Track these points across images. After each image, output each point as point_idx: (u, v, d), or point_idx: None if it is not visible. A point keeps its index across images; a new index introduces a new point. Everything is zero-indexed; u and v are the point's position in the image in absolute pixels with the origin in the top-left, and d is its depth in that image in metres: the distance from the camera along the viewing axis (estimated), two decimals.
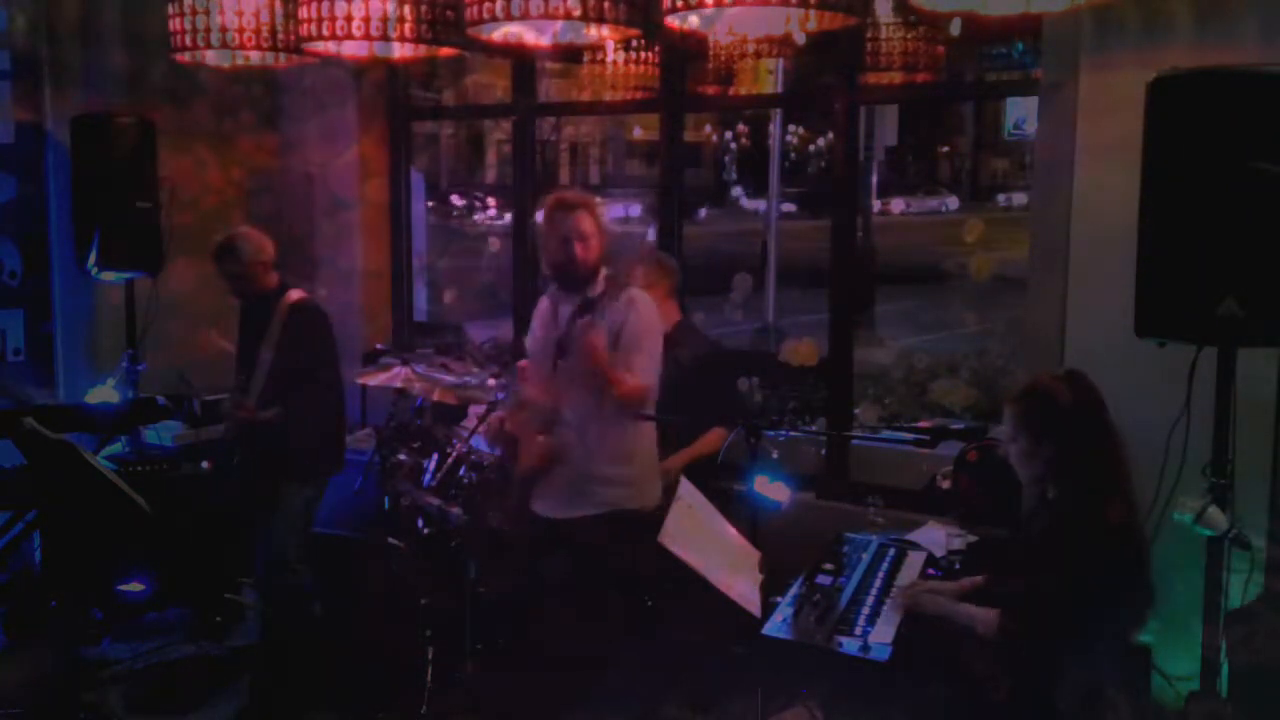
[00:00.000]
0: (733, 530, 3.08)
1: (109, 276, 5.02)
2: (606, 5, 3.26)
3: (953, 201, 26.07)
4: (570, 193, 3.60)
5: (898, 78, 4.96)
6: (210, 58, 4.23)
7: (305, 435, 4.26)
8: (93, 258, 4.85)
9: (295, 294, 4.31)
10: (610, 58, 5.71)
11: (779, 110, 12.17)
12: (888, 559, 3.40)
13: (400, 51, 4.08)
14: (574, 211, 3.48)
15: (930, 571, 3.36)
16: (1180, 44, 3.59)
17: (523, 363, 3.69)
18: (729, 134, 25.02)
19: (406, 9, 3.58)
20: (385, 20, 3.57)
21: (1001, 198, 26.01)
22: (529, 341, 3.73)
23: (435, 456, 4.38)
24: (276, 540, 4.25)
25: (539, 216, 3.61)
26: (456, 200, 21.15)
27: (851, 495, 4.53)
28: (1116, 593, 2.66)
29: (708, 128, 23.89)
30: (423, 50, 3.96)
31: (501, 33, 3.62)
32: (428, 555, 4.24)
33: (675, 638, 3.69)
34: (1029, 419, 2.82)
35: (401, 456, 4.45)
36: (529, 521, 3.59)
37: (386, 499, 4.44)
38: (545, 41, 3.74)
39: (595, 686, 3.55)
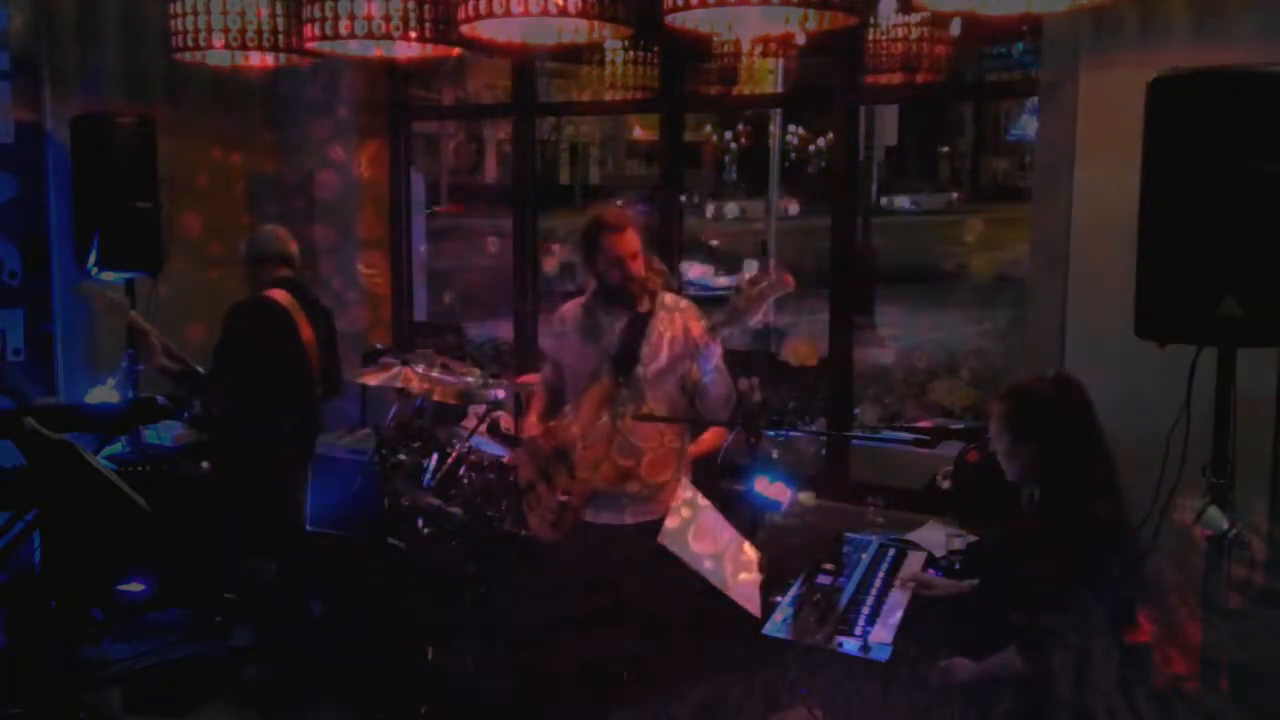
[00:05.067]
0: (733, 530, 3.08)
1: (109, 276, 5.02)
2: (605, 3, 3.26)
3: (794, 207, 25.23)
4: (611, 211, 3.57)
5: (898, 78, 4.96)
6: (210, 57, 4.24)
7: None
8: (93, 258, 4.85)
9: (263, 295, 4.31)
10: (610, 58, 5.71)
11: (779, 110, 12.20)
12: (888, 559, 3.40)
13: (401, 51, 4.08)
14: (624, 232, 3.47)
15: (930, 571, 3.37)
16: (1178, 44, 3.59)
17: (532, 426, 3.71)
18: (729, 134, 24.98)
19: (408, 8, 3.59)
20: (387, 20, 3.57)
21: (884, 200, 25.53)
22: (562, 351, 3.69)
23: (435, 456, 4.38)
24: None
25: (581, 233, 3.56)
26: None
27: (851, 495, 4.53)
28: (1106, 590, 2.66)
29: (708, 128, 23.87)
30: (424, 50, 3.96)
31: (506, 33, 3.63)
32: (428, 555, 4.24)
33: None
34: (1011, 420, 2.84)
35: (401, 456, 4.45)
36: (582, 529, 3.57)
37: (386, 499, 4.44)
38: (548, 41, 3.75)
39: (598, 684, 3.55)
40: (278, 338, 4.29)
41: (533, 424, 3.71)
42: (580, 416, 3.53)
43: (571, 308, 3.71)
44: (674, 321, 3.55)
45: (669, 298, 3.64)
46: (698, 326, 3.50)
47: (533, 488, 3.65)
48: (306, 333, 4.35)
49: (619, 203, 3.89)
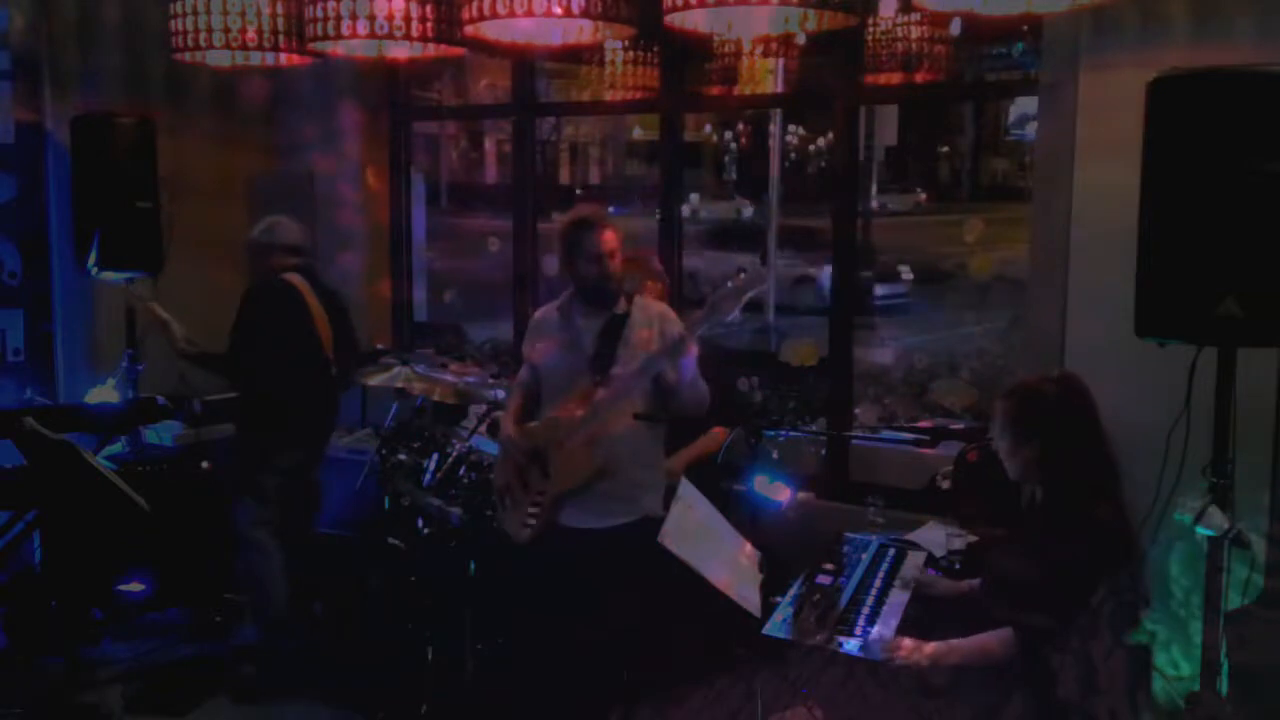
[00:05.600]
0: (733, 530, 3.08)
1: (109, 276, 5.02)
2: (607, 3, 3.26)
3: (748, 209, 24.60)
4: (590, 208, 3.60)
5: (898, 78, 4.96)
6: (210, 58, 4.24)
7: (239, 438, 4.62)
8: (93, 258, 4.85)
9: (279, 277, 4.44)
10: (610, 58, 5.71)
11: (779, 110, 12.19)
12: (888, 559, 3.39)
13: (402, 51, 4.08)
14: (604, 228, 3.50)
15: (930, 571, 3.36)
16: (1177, 44, 3.60)
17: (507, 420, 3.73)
18: (729, 134, 24.96)
19: (409, 9, 3.59)
20: (389, 19, 3.57)
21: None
22: (538, 355, 3.69)
23: (435, 456, 4.38)
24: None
25: (561, 232, 3.58)
26: None
27: (851, 495, 4.53)
28: (1107, 592, 2.66)
29: (708, 128, 23.86)
30: (425, 50, 3.96)
31: (510, 35, 3.63)
32: (428, 555, 4.24)
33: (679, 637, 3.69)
34: (1014, 419, 2.84)
35: (401, 456, 4.45)
36: (561, 533, 3.56)
37: (386, 499, 4.44)
38: (554, 42, 3.75)
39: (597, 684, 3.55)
40: (291, 317, 4.40)
41: (509, 426, 3.70)
42: (558, 419, 3.53)
43: (548, 311, 3.72)
44: (651, 324, 3.56)
45: (646, 300, 3.65)
46: (675, 328, 3.50)
47: (509, 490, 3.65)
48: (319, 314, 4.44)
49: (579, 189, 3.93)
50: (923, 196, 21.85)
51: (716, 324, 3.27)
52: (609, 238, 3.50)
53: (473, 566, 4.06)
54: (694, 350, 3.36)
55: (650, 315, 3.58)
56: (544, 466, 3.53)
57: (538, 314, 3.78)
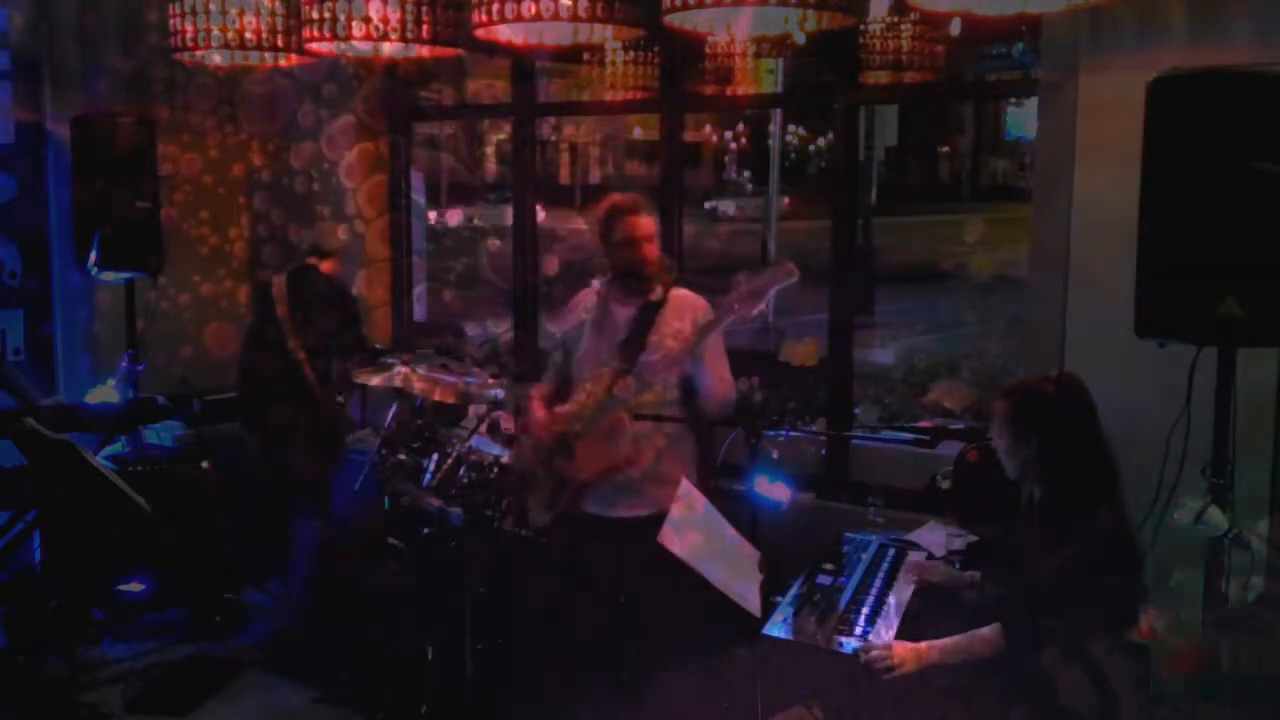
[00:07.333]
0: (733, 530, 3.08)
1: (109, 276, 5.02)
2: (609, 5, 3.26)
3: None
4: (627, 196, 3.67)
5: (897, 77, 4.96)
6: (210, 58, 4.24)
7: None
8: (93, 258, 4.86)
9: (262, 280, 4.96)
10: (610, 58, 5.71)
11: (779, 110, 12.21)
12: (888, 559, 3.40)
13: (401, 52, 4.08)
14: (643, 214, 3.58)
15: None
16: (1176, 45, 3.60)
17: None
18: (729, 134, 25.00)
19: (406, 9, 3.59)
20: (385, 21, 3.57)
21: (709, 205, 23.72)
22: (570, 337, 3.74)
23: (435, 456, 4.37)
24: None
25: (597, 218, 3.64)
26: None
27: (851, 495, 4.53)
28: (1105, 593, 2.67)
29: (708, 128, 23.88)
30: (424, 50, 3.96)
31: (521, 35, 3.63)
32: (428, 555, 4.24)
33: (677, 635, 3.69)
34: (1013, 417, 2.84)
35: (401, 456, 4.45)
36: (575, 519, 3.59)
37: (386, 499, 4.44)
38: (564, 42, 3.76)
39: (598, 683, 3.56)
40: (255, 316, 4.80)
41: (537, 408, 3.74)
42: (585, 403, 3.54)
43: (587, 294, 3.77)
44: (683, 315, 3.57)
45: (682, 292, 3.66)
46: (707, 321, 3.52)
47: (531, 472, 3.70)
48: (285, 313, 4.68)
49: (579, 187, 3.98)
50: (786, 201, 19.53)
51: (741, 319, 3.28)
52: (639, 223, 3.56)
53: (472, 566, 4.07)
54: (720, 345, 3.38)
55: (684, 307, 3.61)
56: (569, 452, 3.54)
57: (577, 296, 3.83)
